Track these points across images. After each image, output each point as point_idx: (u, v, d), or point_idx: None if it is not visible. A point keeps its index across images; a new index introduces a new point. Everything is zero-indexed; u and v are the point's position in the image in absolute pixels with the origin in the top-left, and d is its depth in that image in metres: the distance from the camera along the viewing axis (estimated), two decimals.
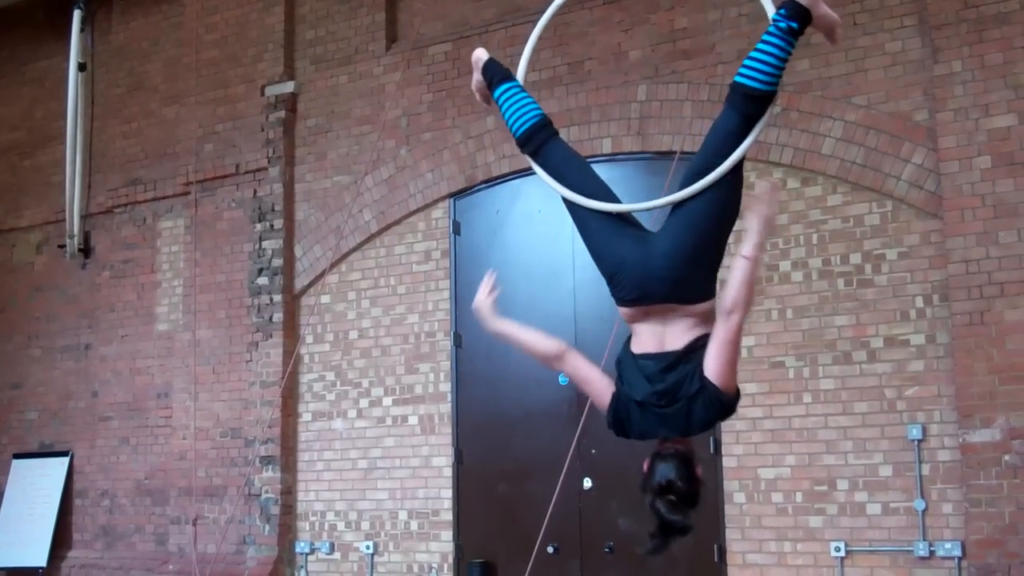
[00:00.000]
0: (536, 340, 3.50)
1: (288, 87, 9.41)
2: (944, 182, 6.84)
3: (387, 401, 8.71)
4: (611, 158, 7.96)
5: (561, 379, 7.48)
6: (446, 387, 8.45)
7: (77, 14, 9.89)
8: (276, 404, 8.89)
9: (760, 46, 3.24)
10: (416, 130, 8.88)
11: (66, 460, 10.25)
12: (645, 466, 3.29)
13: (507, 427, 8.17)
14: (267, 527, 8.89)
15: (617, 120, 8.02)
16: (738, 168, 3.31)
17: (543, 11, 3.86)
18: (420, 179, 8.78)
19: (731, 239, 3.43)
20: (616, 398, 3.35)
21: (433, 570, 8.31)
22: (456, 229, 8.62)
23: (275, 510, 8.90)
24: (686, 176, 3.34)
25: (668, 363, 3.26)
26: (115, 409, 9.97)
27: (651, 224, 3.55)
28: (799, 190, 7.35)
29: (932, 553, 6.70)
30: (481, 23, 8.72)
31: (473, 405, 8.33)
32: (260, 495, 8.96)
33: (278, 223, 9.24)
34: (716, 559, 7.31)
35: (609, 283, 3.43)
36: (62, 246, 10.45)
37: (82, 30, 9.97)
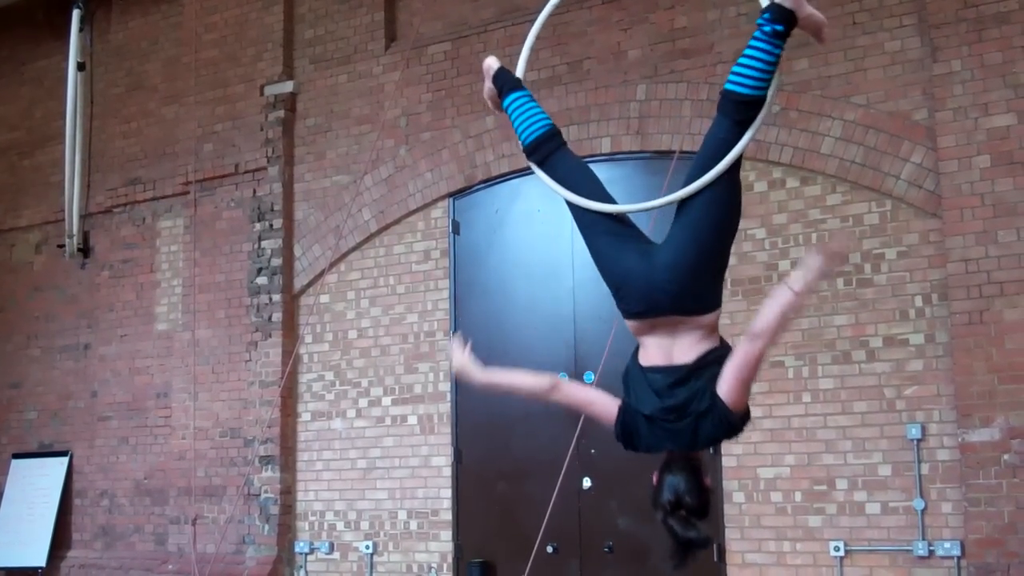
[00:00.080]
0: (526, 380, 3.54)
1: (287, 87, 9.40)
2: (943, 181, 6.83)
3: (386, 401, 8.70)
4: (610, 157, 7.95)
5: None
6: (445, 387, 8.44)
7: (76, 14, 9.86)
8: (275, 404, 8.88)
9: (747, 51, 3.23)
10: (415, 130, 8.87)
11: (65, 460, 10.24)
12: (654, 478, 3.29)
13: (506, 427, 8.16)
14: (266, 527, 8.89)
15: (616, 119, 8.02)
16: (735, 173, 3.31)
17: (542, 11, 3.87)
18: (419, 179, 8.77)
19: (733, 240, 3.43)
20: (623, 411, 3.34)
21: (432, 570, 8.31)
22: (455, 229, 8.61)
23: (274, 510, 8.89)
24: (684, 184, 3.34)
25: (677, 378, 3.25)
26: (114, 409, 9.97)
27: (649, 229, 3.56)
28: (798, 189, 7.34)
29: (931, 552, 6.70)
30: (480, 23, 8.71)
31: (472, 405, 8.31)
32: (259, 495, 8.95)
33: (277, 223, 9.24)
34: (715, 559, 7.30)
35: (615, 296, 3.44)
36: (61, 246, 10.44)
37: (81, 30, 9.94)
